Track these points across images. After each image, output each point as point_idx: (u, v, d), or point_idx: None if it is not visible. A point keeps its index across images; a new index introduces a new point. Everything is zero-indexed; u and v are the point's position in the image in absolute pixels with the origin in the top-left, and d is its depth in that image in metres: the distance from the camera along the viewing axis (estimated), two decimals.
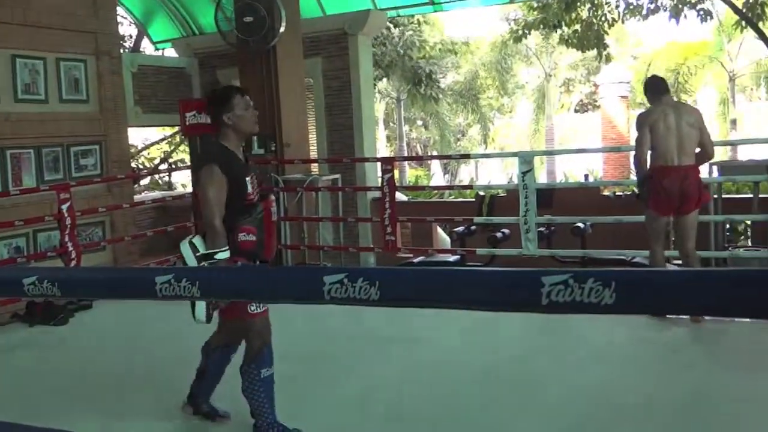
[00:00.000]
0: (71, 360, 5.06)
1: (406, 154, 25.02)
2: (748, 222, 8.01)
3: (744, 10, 11.71)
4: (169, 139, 19.10)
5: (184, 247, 3.27)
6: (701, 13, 11.81)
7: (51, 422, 2.16)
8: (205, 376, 3.68)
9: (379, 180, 7.56)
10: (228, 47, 8.61)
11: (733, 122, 23.53)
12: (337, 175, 8.77)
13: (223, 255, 3.22)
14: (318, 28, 9.76)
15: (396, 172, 8.86)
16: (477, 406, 3.76)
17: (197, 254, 3.24)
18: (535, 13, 13.10)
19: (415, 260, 7.57)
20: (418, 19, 17.65)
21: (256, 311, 3.39)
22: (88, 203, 7.30)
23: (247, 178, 3.42)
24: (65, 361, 5.03)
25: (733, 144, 17.65)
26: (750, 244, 8.05)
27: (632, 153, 5.33)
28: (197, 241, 3.28)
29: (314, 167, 9.46)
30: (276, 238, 3.70)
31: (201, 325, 4.82)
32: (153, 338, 5.40)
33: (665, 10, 11.94)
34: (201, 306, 3.17)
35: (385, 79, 20.02)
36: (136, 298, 1.78)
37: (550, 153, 20.73)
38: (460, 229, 7.64)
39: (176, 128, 14.24)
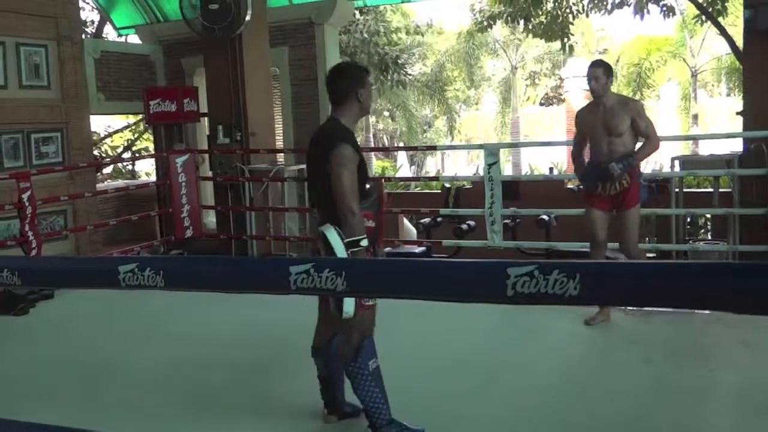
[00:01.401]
0: (32, 350, 4.98)
1: (372, 145, 24.99)
2: (709, 216, 8.16)
3: (705, 5, 11.89)
4: (133, 127, 18.83)
5: (332, 235, 3.03)
6: (664, 8, 11.97)
7: (10, 413, 2.12)
8: (332, 378, 3.47)
9: None
10: (193, 35, 8.50)
11: (695, 117, 23.89)
12: (303, 165, 8.72)
13: (366, 242, 3.06)
14: (284, 17, 9.69)
15: None
16: (441, 394, 3.78)
17: (344, 241, 3.03)
18: (501, 5, 13.16)
19: (386, 250, 7.58)
20: (385, 8, 17.60)
21: (369, 302, 3.18)
22: (50, 191, 7.18)
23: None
24: (26, 352, 4.96)
25: (695, 139, 17.94)
26: (710, 237, 8.21)
27: None
28: (334, 229, 3.06)
29: (280, 157, 9.40)
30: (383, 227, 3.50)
31: (165, 315, 4.80)
32: (116, 328, 5.35)
33: (629, 5, 12.08)
34: (350, 301, 2.96)
35: None
36: (98, 288, 1.76)
37: (515, 145, 20.84)
38: (426, 220, 7.67)
39: (140, 116, 14.04)
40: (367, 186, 3.28)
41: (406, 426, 3.25)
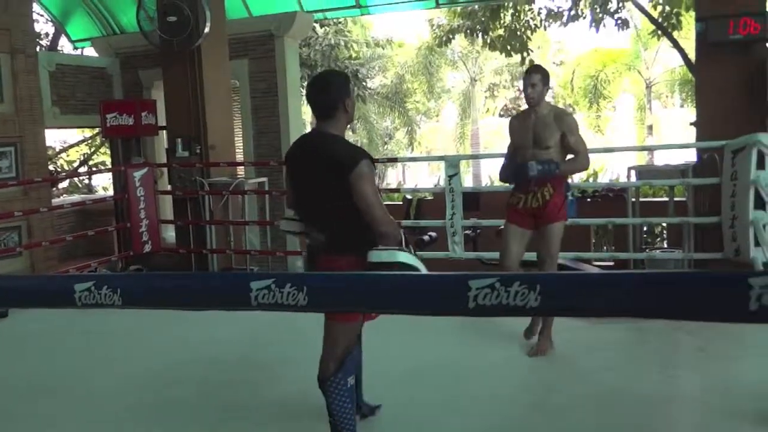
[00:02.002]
0: None
1: None
2: (664, 224, 8.30)
3: (659, 20, 12.16)
4: (89, 141, 18.53)
5: (407, 257, 2.87)
6: (619, 21, 12.22)
7: None
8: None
9: None
10: (151, 47, 8.41)
11: (650, 128, 24.38)
12: (264, 179, 8.68)
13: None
14: (244, 30, 9.64)
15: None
16: (406, 404, 3.77)
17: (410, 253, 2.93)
18: (460, 18, 13.29)
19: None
20: (345, 20, 17.66)
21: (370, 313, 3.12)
22: (3, 207, 7.02)
23: None
24: None
25: (650, 149, 18.27)
26: (666, 245, 8.35)
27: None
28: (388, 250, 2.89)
29: (240, 170, 9.33)
30: None
31: (124, 332, 4.72)
32: (73, 347, 5.24)
33: (584, 18, 12.31)
34: (407, 255, 2.85)
35: None
36: (53, 307, 1.71)
37: (475, 157, 20.98)
38: None
39: (97, 130, 13.83)
40: None
41: None
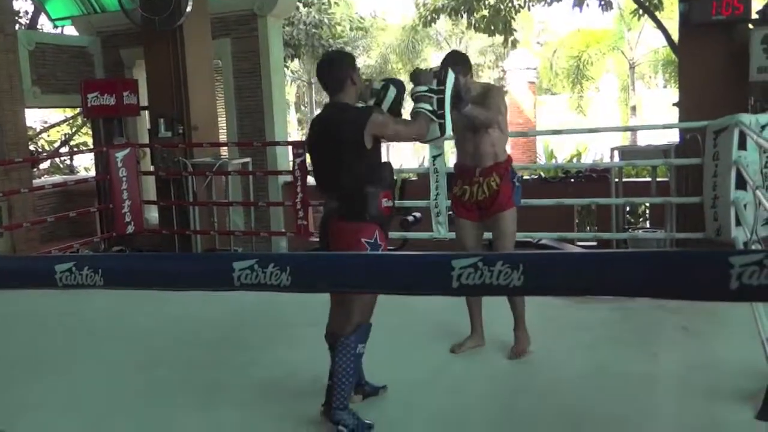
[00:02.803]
0: None
1: None
2: (647, 205, 8.36)
3: (642, 0, 12.16)
4: (71, 121, 18.32)
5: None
6: (602, 2, 12.21)
7: None
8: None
9: (291, 164, 7.49)
10: (132, 26, 8.32)
11: (633, 109, 24.46)
12: (248, 159, 8.64)
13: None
14: (226, 9, 9.54)
15: (308, 156, 8.74)
16: (390, 385, 3.79)
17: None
18: None
19: None
20: (329, 0, 17.53)
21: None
22: None
23: None
24: None
25: (633, 129, 18.33)
26: (648, 225, 8.41)
27: (539, 138, 5.31)
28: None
29: (224, 151, 9.28)
30: None
31: (108, 313, 4.69)
32: (57, 327, 5.22)
33: None
34: (448, 117, 3.38)
35: (296, 60, 19.80)
36: (34, 288, 1.70)
37: None
38: None
39: (78, 110, 13.68)
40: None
41: (359, 418, 3.26)
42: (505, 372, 3.99)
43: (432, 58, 28.28)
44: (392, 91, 3.44)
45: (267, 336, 4.70)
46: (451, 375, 3.98)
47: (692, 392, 3.57)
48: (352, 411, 3.26)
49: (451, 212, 6.68)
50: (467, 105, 3.85)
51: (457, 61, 4.06)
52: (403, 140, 3.55)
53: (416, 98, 3.42)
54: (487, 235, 4.37)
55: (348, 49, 19.84)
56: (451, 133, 3.60)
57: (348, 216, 3.28)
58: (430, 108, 3.38)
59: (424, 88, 3.42)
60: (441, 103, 3.42)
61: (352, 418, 3.23)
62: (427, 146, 6.76)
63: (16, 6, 13.86)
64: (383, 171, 3.36)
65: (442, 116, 3.41)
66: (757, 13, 6.39)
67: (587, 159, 12.21)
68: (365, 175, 3.25)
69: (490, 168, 4.11)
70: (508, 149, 4.48)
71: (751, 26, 6.26)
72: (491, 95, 4.10)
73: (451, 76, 3.49)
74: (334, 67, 3.35)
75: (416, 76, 3.52)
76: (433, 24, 14.87)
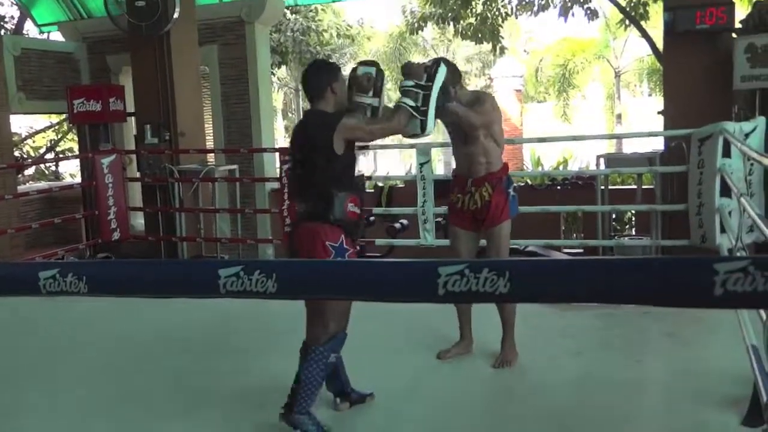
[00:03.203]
0: None
1: None
2: (633, 212, 8.40)
3: (628, 9, 12.26)
4: (56, 128, 18.23)
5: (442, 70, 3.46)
6: (588, 11, 12.30)
7: None
8: (336, 369, 3.48)
9: (278, 171, 7.48)
10: (119, 32, 8.29)
11: (619, 117, 24.62)
12: (235, 166, 8.62)
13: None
14: (214, 15, 9.55)
15: None
16: (374, 390, 3.78)
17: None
18: (432, 6, 13.28)
19: None
20: (316, 8, 17.54)
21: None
22: None
23: None
24: None
25: (619, 137, 18.45)
26: (634, 233, 8.45)
27: (526, 145, 5.29)
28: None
29: (210, 157, 9.26)
30: None
31: (92, 319, 4.64)
32: (37, 336, 5.17)
33: (555, 7, 12.37)
34: (431, 114, 3.37)
35: (284, 67, 19.79)
36: (17, 295, 1.68)
37: (446, 145, 20.93)
38: None
39: (64, 116, 13.61)
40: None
41: (320, 423, 3.25)
42: (491, 379, 3.99)
43: None
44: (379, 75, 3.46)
45: (252, 343, 4.68)
46: (436, 382, 3.97)
47: (678, 398, 3.58)
48: (313, 416, 3.24)
49: (439, 219, 6.72)
50: (452, 102, 3.80)
51: (449, 72, 3.90)
52: (382, 137, 3.59)
53: (402, 92, 3.44)
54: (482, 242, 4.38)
55: (335, 56, 19.87)
56: (430, 132, 3.47)
57: (312, 216, 3.30)
58: (412, 104, 3.38)
59: (410, 83, 3.43)
60: (426, 99, 3.41)
61: (312, 424, 3.22)
62: (414, 153, 6.76)
63: (1, 11, 13.81)
64: (354, 177, 3.41)
65: (425, 113, 3.40)
66: (741, 22, 6.46)
67: (573, 167, 12.26)
68: (334, 179, 3.27)
69: (482, 178, 4.05)
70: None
71: (734, 35, 6.33)
72: (480, 101, 4.04)
73: (441, 72, 3.48)
74: (313, 74, 3.39)
75: (407, 69, 3.53)
76: (420, 32, 14.94)
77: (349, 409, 3.55)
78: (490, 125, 4.00)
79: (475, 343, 4.33)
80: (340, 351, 3.33)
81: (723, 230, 5.47)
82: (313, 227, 3.27)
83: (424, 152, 6.68)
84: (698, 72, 6.39)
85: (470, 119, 3.92)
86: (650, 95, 27.21)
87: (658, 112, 7.31)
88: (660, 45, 8.77)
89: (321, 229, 3.24)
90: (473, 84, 30.78)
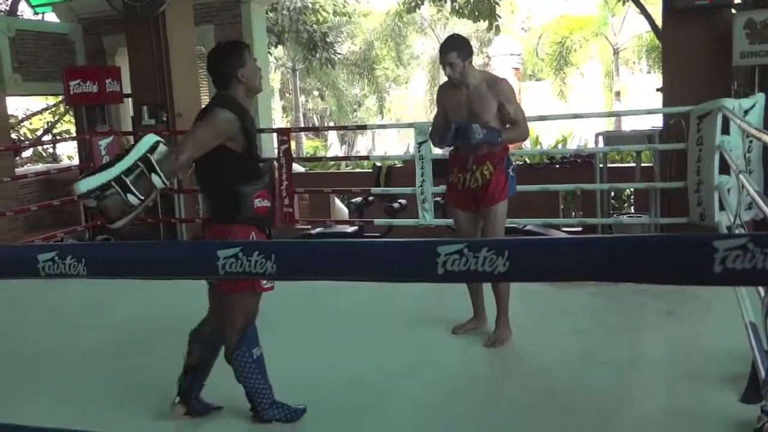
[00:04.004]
0: None
1: (302, 125, 24.80)
2: (632, 190, 8.40)
3: None
4: (53, 109, 18.15)
5: (148, 140, 2.88)
6: None
7: None
8: (198, 369, 3.32)
9: (276, 151, 7.46)
10: (114, 12, 8.23)
11: (617, 94, 24.53)
12: None
13: (158, 181, 2.85)
14: None
15: (293, 143, 8.73)
16: (373, 373, 3.80)
17: (149, 153, 2.84)
18: None
19: (313, 232, 7.55)
20: None
21: (267, 285, 3.11)
22: None
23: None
24: None
25: (618, 115, 18.38)
26: (633, 211, 8.45)
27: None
28: (161, 148, 2.90)
29: None
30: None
31: (82, 303, 4.62)
32: (35, 318, 5.19)
33: None
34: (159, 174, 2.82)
35: (280, 47, 19.69)
36: (16, 278, 1.69)
37: None
38: (358, 199, 7.65)
39: (60, 97, 13.55)
40: (261, 165, 3.21)
41: (289, 406, 3.25)
42: (489, 359, 4.01)
43: (416, 44, 28.24)
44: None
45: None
46: (435, 361, 3.99)
47: (676, 376, 3.60)
48: (279, 403, 3.22)
49: (438, 198, 6.71)
50: (499, 136, 3.94)
51: (456, 46, 4.02)
52: (185, 137, 3.14)
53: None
54: None
55: (332, 35, 19.75)
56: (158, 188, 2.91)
57: (216, 218, 3.17)
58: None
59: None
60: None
61: (281, 410, 3.23)
62: (412, 132, 6.73)
63: None
64: (258, 168, 3.17)
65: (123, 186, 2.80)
66: None
67: (572, 145, 12.23)
68: (234, 174, 3.06)
69: (483, 157, 4.06)
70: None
71: (734, 11, 6.28)
72: (504, 95, 4.03)
73: (143, 143, 2.90)
74: (217, 62, 3.15)
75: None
76: (417, 10, 14.83)
77: (184, 416, 3.34)
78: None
79: (472, 331, 4.34)
80: (257, 344, 3.19)
81: (722, 207, 5.47)
82: (221, 229, 3.10)
83: (422, 131, 6.65)
84: (697, 48, 6.35)
85: (524, 135, 4.27)
86: (649, 72, 27.09)
87: (657, 89, 7.28)
88: (659, 22, 8.72)
89: (229, 232, 3.06)
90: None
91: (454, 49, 3.99)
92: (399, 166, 8.88)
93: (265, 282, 3.07)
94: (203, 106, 3.25)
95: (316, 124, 29.53)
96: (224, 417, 3.40)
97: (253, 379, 3.16)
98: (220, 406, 3.43)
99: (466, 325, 4.36)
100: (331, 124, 27.13)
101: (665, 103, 6.67)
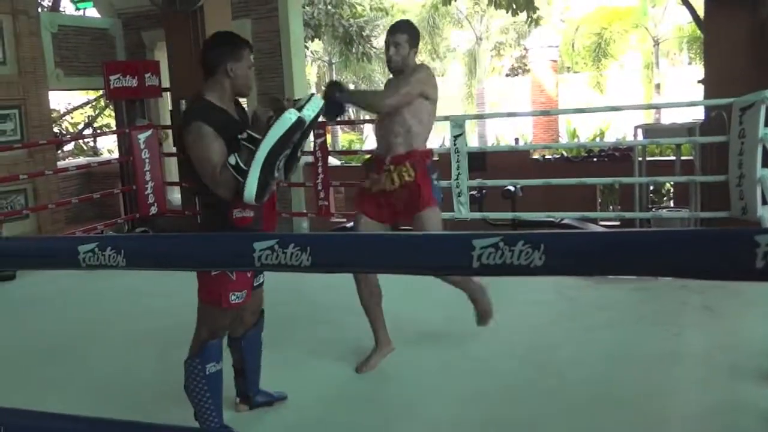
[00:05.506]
0: None
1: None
2: (671, 183, 8.27)
3: None
4: (94, 103, 18.47)
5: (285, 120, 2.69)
6: None
7: None
8: (243, 370, 3.30)
9: (312, 144, 7.49)
10: (153, 8, 8.33)
11: (657, 86, 24.13)
12: None
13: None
14: None
15: (329, 137, 8.75)
16: (409, 368, 3.80)
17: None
18: None
19: (349, 225, 7.57)
20: None
21: (235, 301, 2.91)
22: (8, 170, 7.04)
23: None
24: None
25: (657, 107, 18.11)
26: (672, 205, 8.33)
27: (561, 116, 5.17)
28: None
29: None
30: (275, 210, 3.17)
31: (122, 294, 4.68)
32: (76, 309, 5.29)
33: None
34: (253, 178, 2.64)
35: (317, 41, 19.76)
36: (57, 268, 1.72)
37: (481, 117, 20.82)
38: None
39: (100, 92, 13.77)
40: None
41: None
42: (525, 352, 3.98)
43: (452, 37, 28.10)
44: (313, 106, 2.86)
45: (289, 315, 4.71)
46: (470, 355, 3.98)
47: (714, 372, 3.55)
48: (226, 428, 3.03)
49: (473, 192, 6.70)
50: (342, 92, 3.54)
51: (409, 30, 3.79)
52: (198, 167, 2.83)
53: (238, 144, 2.79)
54: None
55: (368, 29, 19.74)
56: (252, 199, 2.71)
57: (204, 228, 3.06)
58: (233, 162, 2.72)
59: (244, 134, 2.77)
60: (250, 159, 2.70)
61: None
62: (448, 125, 6.71)
63: None
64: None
65: (245, 175, 2.69)
66: None
67: (610, 138, 12.08)
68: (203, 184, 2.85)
69: (402, 156, 3.65)
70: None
71: None
72: (405, 75, 3.68)
73: (280, 124, 2.71)
74: (209, 48, 2.95)
75: (254, 115, 2.84)
76: (453, 2, 14.75)
77: (249, 411, 3.35)
78: (413, 100, 3.63)
79: (509, 325, 4.30)
80: (219, 360, 2.96)
81: (765, 201, 5.37)
82: None
83: (458, 124, 6.63)
84: (740, 39, 6.23)
85: (381, 101, 3.67)
86: (690, 64, 26.61)
87: (698, 81, 7.15)
88: (701, 12, 8.56)
89: None
90: (508, 55, 30.46)
91: (406, 32, 3.74)
92: (434, 159, 8.86)
93: (234, 298, 2.89)
94: (183, 111, 3.02)
95: (352, 117, 29.61)
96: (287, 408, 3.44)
97: (197, 393, 2.93)
98: (285, 396, 3.45)
99: (371, 359, 3.79)
100: (367, 117, 27.14)
101: (707, 95, 6.55)
